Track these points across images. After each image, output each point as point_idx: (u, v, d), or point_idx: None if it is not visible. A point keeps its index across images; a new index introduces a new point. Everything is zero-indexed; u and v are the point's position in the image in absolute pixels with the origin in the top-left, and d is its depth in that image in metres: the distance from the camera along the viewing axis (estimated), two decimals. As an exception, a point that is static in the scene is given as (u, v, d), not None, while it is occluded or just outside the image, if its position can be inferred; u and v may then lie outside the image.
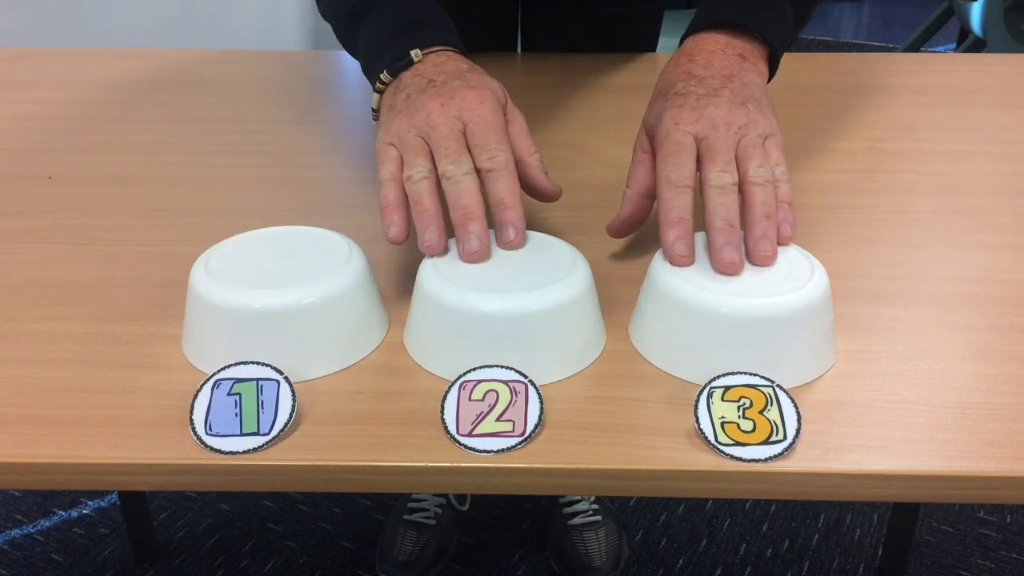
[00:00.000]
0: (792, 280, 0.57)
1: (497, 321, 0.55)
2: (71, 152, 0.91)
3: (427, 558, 1.42)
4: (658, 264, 0.59)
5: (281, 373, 0.53)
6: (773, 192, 0.62)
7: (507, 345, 0.55)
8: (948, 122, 0.98)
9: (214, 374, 0.53)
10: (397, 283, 0.66)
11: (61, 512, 1.58)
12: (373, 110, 0.71)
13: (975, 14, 2.86)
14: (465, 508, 1.52)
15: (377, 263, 0.63)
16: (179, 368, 0.58)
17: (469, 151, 0.61)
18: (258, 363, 0.53)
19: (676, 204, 0.61)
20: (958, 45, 3.35)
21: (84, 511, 1.59)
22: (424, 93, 0.64)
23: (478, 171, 0.61)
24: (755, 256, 0.59)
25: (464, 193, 0.60)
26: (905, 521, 1.41)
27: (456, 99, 0.63)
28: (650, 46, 1.24)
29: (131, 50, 1.23)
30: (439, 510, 1.46)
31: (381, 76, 0.69)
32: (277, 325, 0.55)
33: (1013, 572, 1.44)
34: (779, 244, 0.60)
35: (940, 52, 3.87)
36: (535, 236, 0.62)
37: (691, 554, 1.49)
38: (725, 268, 0.58)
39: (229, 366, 0.53)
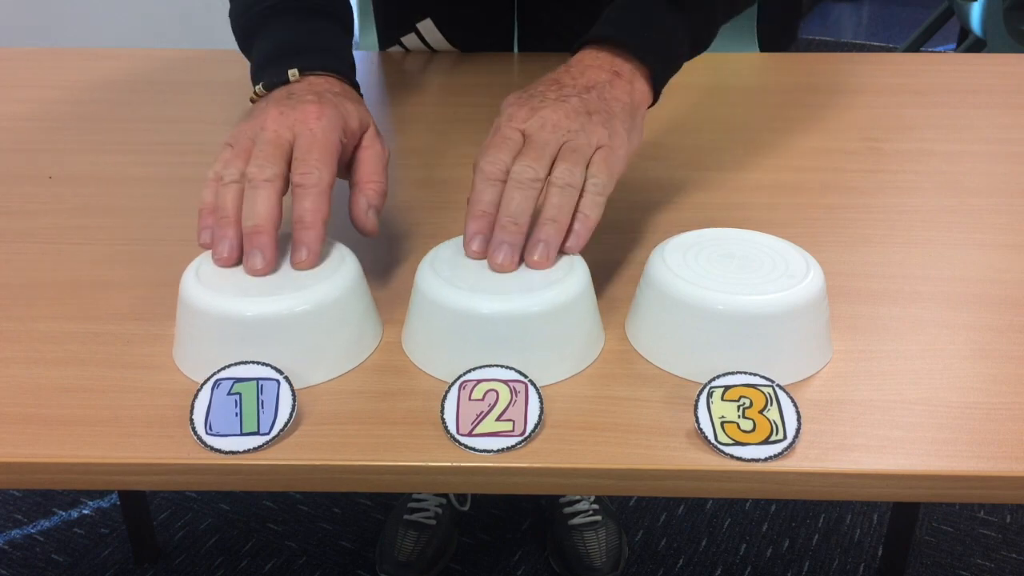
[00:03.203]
0: (788, 277, 0.57)
1: (496, 323, 0.54)
2: (71, 152, 0.91)
3: (427, 558, 1.42)
4: (655, 261, 0.59)
5: (281, 373, 0.53)
6: (573, 199, 0.59)
7: (506, 347, 0.55)
8: (948, 122, 0.98)
9: (214, 374, 0.53)
10: (391, 287, 0.66)
11: (61, 512, 1.58)
12: None
13: (975, 14, 2.86)
14: (465, 508, 1.52)
15: (370, 268, 0.63)
16: (179, 368, 0.58)
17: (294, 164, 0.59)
18: (258, 363, 0.53)
19: (484, 197, 0.59)
20: (958, 45, 3.35)
21: (84, 511, 1.58)
22: (274, 102, 0.63)
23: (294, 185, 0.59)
24: (527, 258, 0.58)
25: (257, 200, 0.57)
26: (905, 521, 1.41)
27: (296, 111, 0.61)
28: None
29: (130, 50, 1.23)
30: (439, 510, 1.46)
31: (256, 89, 0.69)
32: (269, 333, 0.55)
33: (1013, 572, 1.44)
34: (564, 253, 0.58)
35: (940, 52, 3.87)
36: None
37: (691, 554, 1.49)
38: (492, 266, 0.57)
39: (229, 366, 0.53)
